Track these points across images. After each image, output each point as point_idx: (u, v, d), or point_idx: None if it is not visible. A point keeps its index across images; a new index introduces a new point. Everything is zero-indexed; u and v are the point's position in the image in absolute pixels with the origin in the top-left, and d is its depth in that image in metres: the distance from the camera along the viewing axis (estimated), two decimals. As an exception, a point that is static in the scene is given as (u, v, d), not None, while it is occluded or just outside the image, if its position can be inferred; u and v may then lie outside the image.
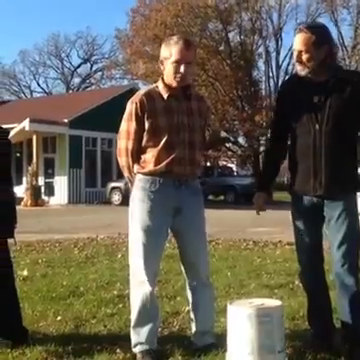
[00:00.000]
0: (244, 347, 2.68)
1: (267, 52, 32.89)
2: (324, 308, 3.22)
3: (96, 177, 26.00)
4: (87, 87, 51.45)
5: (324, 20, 29.09)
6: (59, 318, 3.95)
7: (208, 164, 34.76)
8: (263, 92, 33.64)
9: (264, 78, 33.34)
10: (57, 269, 6.23)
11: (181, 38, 3.11)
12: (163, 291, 4.76)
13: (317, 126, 3.03)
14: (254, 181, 25.28)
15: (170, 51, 3.07)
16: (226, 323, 2.85)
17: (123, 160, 3.22)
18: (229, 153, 35.88)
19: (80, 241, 9.25)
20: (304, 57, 3.01)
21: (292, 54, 3.35)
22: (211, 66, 30.76)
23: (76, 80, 54.15)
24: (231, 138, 32.98)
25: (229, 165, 36.11)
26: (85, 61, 53.82)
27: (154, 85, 3.25)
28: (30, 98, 47.55)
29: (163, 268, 5.20)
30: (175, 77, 3.09)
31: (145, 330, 3.11)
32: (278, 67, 33.11)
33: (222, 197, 26.28)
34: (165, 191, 3.12)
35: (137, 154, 3.17)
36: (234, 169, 35.26)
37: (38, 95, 50.91)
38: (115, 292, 4.78)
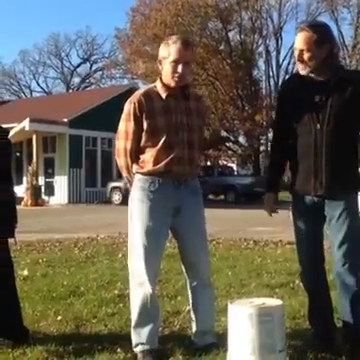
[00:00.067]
0: (245, 347, 2.68)
1: (267, 51, 32.96)
2: (325, 308, 3.21)
3: (96, 177, 26.00)
4: (87, 87, 51.48)
5: (324, 19, 29.06)
6: (60, 318, 3.95)
7: (208, 163, 34.81)
8: (263, 91, 33.70)
9: (264, 77, 33.45)
10: (57, 269, 6.22)
11: (179, 38, 3.11)
12: (164, 290, 4.76)
13: (318, 125, 3.02)
14: (254, 180, 25.31)
15: (168, 51, 3.07)
16: (227, 323, 2.85)
17: (122, 160, 3.22)
18: (229, 152, 35.95)
19: (80, 241, 9.24)
20: (305, 56, 3.00)
21: (292, 53, 3.35)
22: (211, 65, 30.79)
23: (76, 80, 54.27)
24: (231, 137, 33.02)
25: (229, 164, 36.15)
26: (85, 61, 53.87)
27: (152, 85, 3.24)
28: (30, 98, 47.55)
29: (164, 267, 5.20)
30: (173, 77, 3.08)
31: (146, 330, 3.11)
32: (278, 66, 33.18)
33: (222, 197, 26.26)
34: (164, 191, 3.11)
35: (136, 154, 3.16)
36: (234, 168, 35.27)
37: (38, 95, 50.99)
38: (116, 292, 4.78)
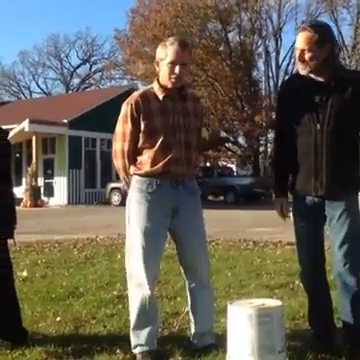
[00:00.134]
0: (244, 347, 2.68)
1: (267, 52, 32.95)
2: (325, 308, 3.21)
3: (96, 178, 26.00)
4: (86, 88, 51.46)
5: (324, 20, 29.03)
6: (59, 319, 3.95)
7: (208, 164, 34.81)
8: (263, 92, 33.70)
9: (264, 78, 33.43)
10: (57, 270, 6.22)
11: (176, 39, 3.11)
12: (163, 291, 4.75)
13: (318, 126, 3.02)
14: (254, 181, 25.33)
15: (166, 52, 3.08)
16: (226, 323, 2.84)
17: (119, 162, 3.21)
18: (229, 153, 35.93)
19: (80, 242, 9.24)
20: (307, 56, 2.99)
21: (292, 54, 3.35)
22: (211, 66, 30.79)
23: (75, 81, 54.24)
24: (231, 138, 33.02)
25: (229, 165, 36.15)
26: (84, 62, 53.86)
27: (149, 86, 3.25)
28: (29, 99, 47.57)
29: (163, 268, 5.19)
30: (170, 78, 3.08)
31: (144, 332, 3.10)
32: (278, 67, 33.17)
33: (222, 197, 26.28)
34: (162, 192, 3.10)
35: (133, 156, 3.15)
36: (234, 169, 35.28)
37: (37, 96, 50.98)
38: (115, 293, 4.77)
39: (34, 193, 22.53)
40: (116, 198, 23.04)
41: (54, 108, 26.11)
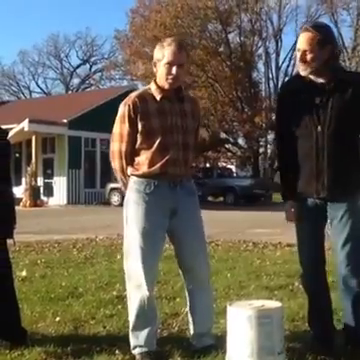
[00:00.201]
0: (244, 349, 2.67)
1: (267, 53, 32.97)
2: (325, 310, 3.20)
3: (95, 178, 25.96)
4: (86, 88, 51.45)
5: (324, 21, 29.12)
6: (58, 319, 3.94)
7: (207, 165, 34.82)
8: (263, 93, 33.71)
9: (264, 79, 33.45)
10: (56, 270, 6.22)
11: (174, 40, 3.12)
12: (162, 292, 4.75)
13: (319, 128, 3.01)
14: (254, 182, 25.34)
15: (163, 53, 3.08)
16: (226, 324, 2.84)
17: (116, 163, 3.21)
18: (228, 154, 35.95)
19: (79, 242, 9.24)
20: (308, 57, 2.99)
21: (292, 55, 3.34)
22: (211, 67, 30.80)
23: (75, 81, 54.25)
24: (231, 139, 33.03)
25: (228, 166, 36.14)
26: (84, 62, 53.86)
27: (147, 87, 3.25)
28: (29, 98, 47.54)
29: (162, 269, 5.19)
30: (167, 79, 3.08)
31: (144, 333, 3.10)
32: (278, 68, 33.19)
33: (221, 198, 26.28)
34: (160, 193, 3.09)
35: (130, 156, 3.15)
36: (233, 170, 35.27)
37: (37, 95, 50.95)
38: (114, 293, 4.77)
39: (33, 193, 22.51)
40: (116, 198, 23.01)
41: (54, 108, 26.10)
